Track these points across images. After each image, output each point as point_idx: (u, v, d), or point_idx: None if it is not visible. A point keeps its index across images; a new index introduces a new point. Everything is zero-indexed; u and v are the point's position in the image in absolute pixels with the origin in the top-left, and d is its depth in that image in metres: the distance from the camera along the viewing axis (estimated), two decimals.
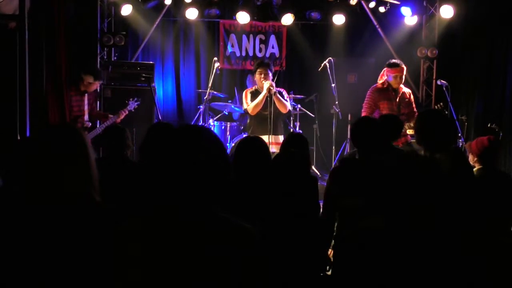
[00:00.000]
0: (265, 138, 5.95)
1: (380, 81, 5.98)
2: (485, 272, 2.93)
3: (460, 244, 2.86)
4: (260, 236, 1.67)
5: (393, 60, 6.01)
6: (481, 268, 2.91)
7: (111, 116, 6.23)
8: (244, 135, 6.31)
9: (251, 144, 3.28)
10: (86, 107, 6.16)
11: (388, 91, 5.88)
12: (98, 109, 6.50)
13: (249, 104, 6.02)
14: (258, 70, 6.00)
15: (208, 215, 1.64)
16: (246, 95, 6.12)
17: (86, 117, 6.17)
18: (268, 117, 5.89)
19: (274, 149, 5.83)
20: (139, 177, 2.51)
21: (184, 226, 1.61)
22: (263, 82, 5.91)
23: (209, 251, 1.59)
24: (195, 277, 1.58)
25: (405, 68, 5.94)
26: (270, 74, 6.01)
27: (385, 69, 5.95)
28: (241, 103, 6.53)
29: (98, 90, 6.45)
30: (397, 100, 5.88)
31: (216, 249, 1.59)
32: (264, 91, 5.86)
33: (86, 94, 6.16)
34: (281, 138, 6.06)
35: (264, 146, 3.30)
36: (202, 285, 1.58)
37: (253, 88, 6.17)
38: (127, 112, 6.31)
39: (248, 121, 6.30)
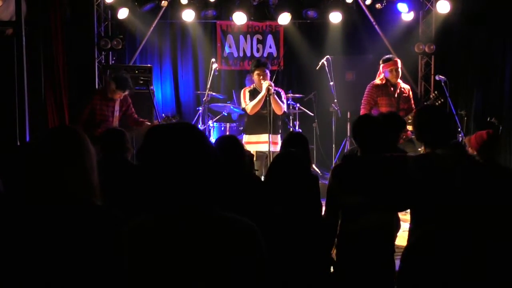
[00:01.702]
0: (264, 137, 5.95)
1: (378, 78, 6.03)
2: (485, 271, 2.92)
3: (461, 243, 2.87)
4: (262, 234, 1.67)
5: (387, 56, 6.12)
6: (481, 267, 2.91)
7: (148, 123, 5.95)
8: (243, 135, 6.26)
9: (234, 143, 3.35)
10: (116, 113, 5.92)
11: (387, 86, 5.92)
12: (135, 117, 6.13)
13: (248, 103, 5.96)
14: (256, 71, 5.94)
15: (211, 214, 1.64)
16: (245, 94, 6.05)
17: (114, 123, 5.90)
18: (266, 116, 5.83)
19: (272, 148, 5.83)
20: (138, 179, 2.51)
21: (187, 227, 1.61)
22: (262, 82, 5.86)
23: (212, 250, 1.59)
24: (199, 277, 1.58)
25: (399, 61, 6.01)
26: (268, 74, 5.97)
27: (380, 65, 6.01)
28: (239, 102, 6.45)
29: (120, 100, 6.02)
30: (396, 95, 5.90)
31: (219, 248, 1.59)
32: (263, 91, 5.79)
33: (116, 101, 5.91)
34: (279, 137, 6.04)
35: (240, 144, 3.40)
36: (206, 284, 1.58)
37: (252, 86, 6.10)
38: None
39: (246, 120, 6.23)
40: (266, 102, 5.84)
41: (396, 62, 5.94)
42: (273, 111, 5.87)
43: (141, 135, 5.78)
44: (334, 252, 3.21)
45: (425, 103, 5.99)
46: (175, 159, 1.61)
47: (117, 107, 5.95)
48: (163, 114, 6.11)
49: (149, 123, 5.97)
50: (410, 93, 6.10)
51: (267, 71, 5.95)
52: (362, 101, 5.96)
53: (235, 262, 1.60)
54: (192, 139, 1.65)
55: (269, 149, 5.82)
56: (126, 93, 5.90)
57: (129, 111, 6.11)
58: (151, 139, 1.67)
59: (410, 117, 5.80)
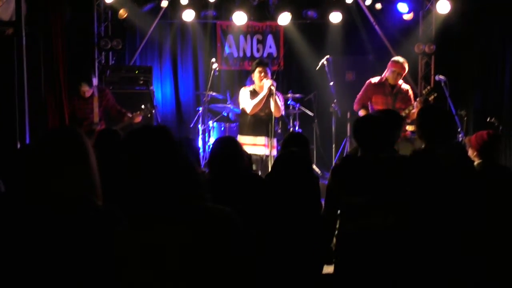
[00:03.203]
0: (260, 140, 5.85)
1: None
2: (485, 271, 2.92)
3: (460, 243, 2.87)
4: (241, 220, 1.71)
5: (398, 57, 6.10)
6: (481, 267, 2.91)
7: (129, 116, 6.16)
8: (238, 136, 6.03)
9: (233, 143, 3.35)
10: (95, 110, 6.15)
11: (384, 86, 5.94)
12: (118, 108, 6.39)
13: (248, 103, 5.75)
14: (258, 69, 5.73)
15: (192, 207, 1.66)
16: (245, 93, 5.84)
17: (95, 119, 6.15)
18: (264, 119, 5.74)
19: (269, 152, 5.71)
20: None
21: (174, 222, 1.63)
22: (264, 80, 5.67)
23: (201, 240, 1.61)
24: (193, 270, 1.60)
25: (406, 67, 5.99)
26: (269, 73, 5.81)
27: (392, 62, 6.02)
28: (236, 102, 6.25)
29: (96, 94, 6.32)
30: (393, 95, 5.92)
31: (207, 237, 1.62)
32: (265, 91, 5.61)
33: (94, 98, 6.17)
34: (275, 141, 5.88)
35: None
36: (199, 274, 1.60)
37: (251, 87, 5.90)
38: (140, 119, 6.23)
39: (241, 120, 6.02)
40: (266, 105, 5.71)
41: (401, 67, 5.92)
42: (271, 113, 5.68)
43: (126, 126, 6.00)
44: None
45: (418, 97, 5.98)
46: (144, 160, 1.66)
47: (95, 103, 6.16)
48: (142, 106, 6.21)
49: (130, 115, 6.15)
50: (410, 93, 6.09)
51: (269, 70, 5.81)
52: (357, 96, 5.98)
53: (216, 250, 1.63)
54: (159, 141, 1.69)
55: (270, 152, 5.71)
56: (86, 88, 6.15)
57: (109, 104, 6.33)
58: (123, 144, 1.75)
59: (404, 114, 5.81)
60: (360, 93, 6.00)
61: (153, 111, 6.29)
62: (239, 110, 6.80)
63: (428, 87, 6.18)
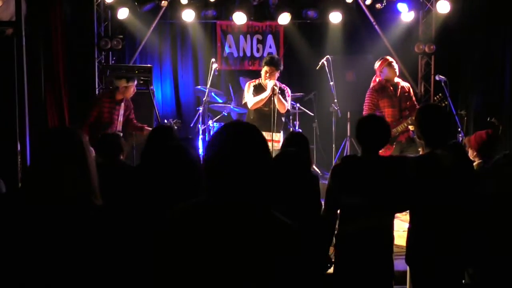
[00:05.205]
0: (265, 135, 5.92)
1: (375, 82, 6.04)
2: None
3: (461, 243, 2.87)
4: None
5: (383, 57, 6.15)
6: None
7: (149, 129, 5.99)
8: None
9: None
10: (120, 118, 6.02)
11: (387, 88, 5.92)
12: (135, 123, 6.25)
13: (250, 98, 5.91)
14: (265, 68, 5.91)
15: (257, 211, 1.68)
16: (249, 87, 6.00)
17: (118, 127, 6.00)
18: (267, 114, 5.82)
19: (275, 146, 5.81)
20: (138, 180, 2.53)
21: (233, 218, 1.64)
22: (267, 81, 5.83)
23: (253, 245, 1.62)
24: (242, 271, 1.60)
25: (390, 57, 6.09)
26: (277, 74, 5.92)
27: (377, 65, 6.03)
28: (240, 97, 6.40)
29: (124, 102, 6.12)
30: (398, 95, 5.91)
31: (260, 244, 1.62)
32: (269, 91, 5.77)
33: (122, 104, 6.02)
34: (281, 135, 5.99)
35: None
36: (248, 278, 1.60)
37: (257, 81, 6.06)
38: None
39: (247, 117, 6.16)
40: (269, 100, 5.82)
41: (387, 58, 6.00)
42: (277, 109, 5.83)
43: (142, 140, 5.91)
44: (332, 252, 3.22)
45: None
46: (240, 158, 1.66)
47: (121, 111, 6.03)
48: (165, 120, 6.13)
49: (149, 129, 6.00)
50: (411, 90, 6.11)
51: (277, 71, 5.89)
52: (364, 107, 5.97)
53: (274, 259, 1.63)
54: (254, 141, 1.71)
55: (272, 148, 5.78)
56: (135, 83, 6.04)
57: (130, 116, 6.20)
58: (156, 141, 1.72)
59: (411, 121, 5.81)
60: (366, 103, 5.95)
61: (155, 112, 6.24)
62: (239, 109, 6.85)
63: (440, 95, 6.20)
